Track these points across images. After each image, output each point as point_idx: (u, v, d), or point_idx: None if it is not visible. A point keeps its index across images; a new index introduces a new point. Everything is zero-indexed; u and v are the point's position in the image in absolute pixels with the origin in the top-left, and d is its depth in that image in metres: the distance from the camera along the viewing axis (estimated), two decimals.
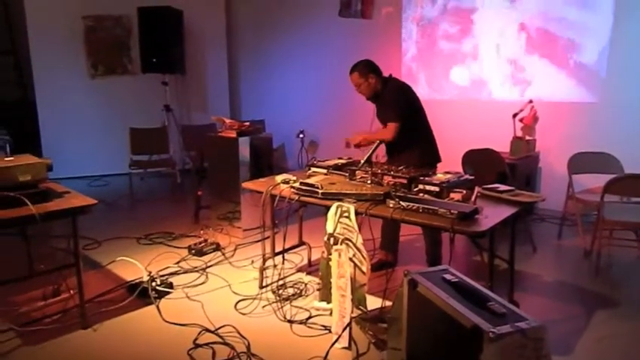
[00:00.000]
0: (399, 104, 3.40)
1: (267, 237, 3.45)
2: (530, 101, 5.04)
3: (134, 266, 3.52)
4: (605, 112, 4.76)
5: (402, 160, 3.30)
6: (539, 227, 4.70)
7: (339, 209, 2.78)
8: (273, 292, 3.32)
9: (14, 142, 5.44)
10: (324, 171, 3.39)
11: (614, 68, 4.71)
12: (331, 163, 3.47)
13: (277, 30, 7.15)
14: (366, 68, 3.45)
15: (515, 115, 4.94)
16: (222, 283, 3.52)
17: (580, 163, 4.26)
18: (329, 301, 2.93)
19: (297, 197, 3.01)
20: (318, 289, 3.26)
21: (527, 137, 5.02)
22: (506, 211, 2.69)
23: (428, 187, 2.80)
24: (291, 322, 2.96)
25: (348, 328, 2.60)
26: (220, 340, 2.75)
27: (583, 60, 4.86)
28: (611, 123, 4.72)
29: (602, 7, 4.70)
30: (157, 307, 3.13)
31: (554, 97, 5.05)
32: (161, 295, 3.29)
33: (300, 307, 3.13)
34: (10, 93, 7.26)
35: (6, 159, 2.89)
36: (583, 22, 4.81)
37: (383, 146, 3.50)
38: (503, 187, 2.97)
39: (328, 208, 2.84)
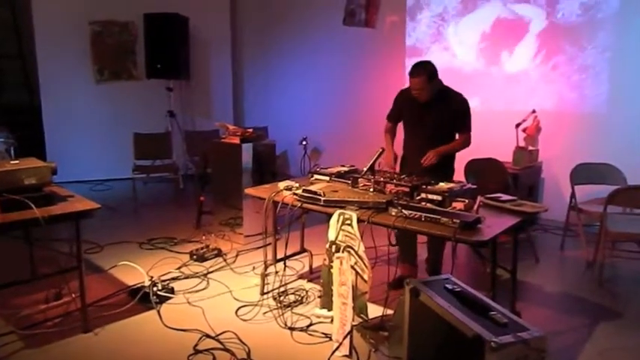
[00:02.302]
0: (471, 115, 3.45)
1: (269, 243, 3.46)
2: (534, 111, 5.04)
3: (136, 271, 3.52)
4: (608, 123, 4.77)
5: (436, 171, 3.27)
6: (541, 238, 4.69)
7: (342, 217, 2.78)
8: (274, 299, 3.31)
9: (19, 145, 5.47)
10: (327, 178, 3.39)
11: (617, 79, 4.72)
12: (334, 170, 3.48)
13: (281, 37, 7.20)
14: (433, 72, 3.35)
15: (518, 125, 4.94)
16: (224, 289, 3.52)
17: (583, 173, 4.25)
18: (330, 309, 2.92)
19: (299, 204, 3.01)
20: (319, 297, 3.25)
21: (530, 147, 5.02)
22: (508, 221, 2.69)
23: (430, 196, 2.80)
24: (292, 329, 2.96)
25: (349, 336, 2.60)
26: (221, 346, 2.75)
27: (586, 70, 4.87)
28: (614, 134, 4.72)
29: (606, 19, 4.72)
30: (158, 312, 3.13)
31: (557, 108, 5.06)
32: (162, 300, 3.29)
33: (301, 315, 3.13)
34: (16, 97, 7.30)
35: (11, 162, 2.90)
36: (587, 32, 4.83)
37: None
38: (505, 197, 2.97)
39: (330, 215, 2.84)
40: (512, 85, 5.31)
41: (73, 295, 3.06)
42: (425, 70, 3.31)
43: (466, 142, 3.48)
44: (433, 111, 3.41)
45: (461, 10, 5.59)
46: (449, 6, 5.65)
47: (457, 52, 5.63)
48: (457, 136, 3.50)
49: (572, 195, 4.20)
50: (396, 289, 3.13)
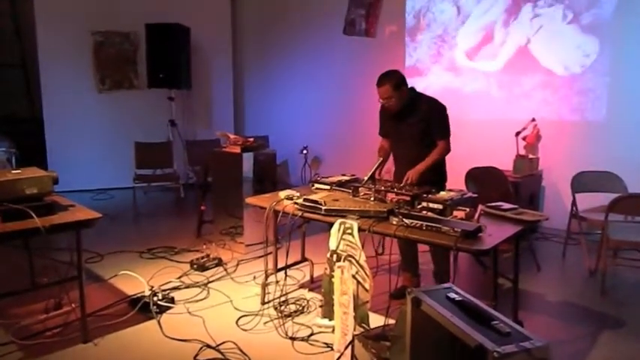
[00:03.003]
0: (447, 119, 3.36)
1: (270, 253, 3.45)
2: (533, 119, 5.05)
3: (136, 280, 3.52)
4: (609, 131, 4.78)
5: (426, 179, 3.23)
6: (543, 246, 4.68)
7: (343, 226, 2.78)
8: (275, 309, 3.30)
9: (21, 155, 5.48)
10: (328, 187, 3.39)
11: (617, 87, 4.73)
12: (334, 179, 3.48)
13: (282, 47, 7.24)
14: (399, 80, 3.30)
15: (518, 134, 4.95)
16: (224, 299, 3.50)
17: (583, 181, 4.25)
18: (331, 319, 2.90)
19: (300, 213, 3.01)
20: (320, 306, 3.24)
21: (530, 156, 5.03)
22: (509, 230, 2.68)
23: (431, 205, 2.80)
24: (293, 339, 2.94)
25: (350, 346, 2.58)
26: (221, 356, 2.74)
27: (585, 78, 4.88)
28: (614, 142, 4.73)
29: (605, 28, 4.74)
30: (158, 321, 3.12)
31: (557, 116, 5.07)
32: (162, 309, 3.28)
33: (302, 324, 3.11)
34: (18, 107, 7.34)
35: (13, 171, 2.91)
36: (587, 41, 4.85)
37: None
38: (506, 206, 2.96)
39: (331, 224, 2.84)
40: (511, 97, 5.32)
41: (73, 305, 3.05)
42: (389, 79, 3.27)
43: (445, 150, 3.36)
44: (407, 121, 3.37)
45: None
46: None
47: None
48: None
49: (573, 203, 4.20)
50: (397, 299, 3.09)
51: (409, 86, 3.37)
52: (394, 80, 3.28)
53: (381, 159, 3.30)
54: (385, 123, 3.57)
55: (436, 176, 3.36)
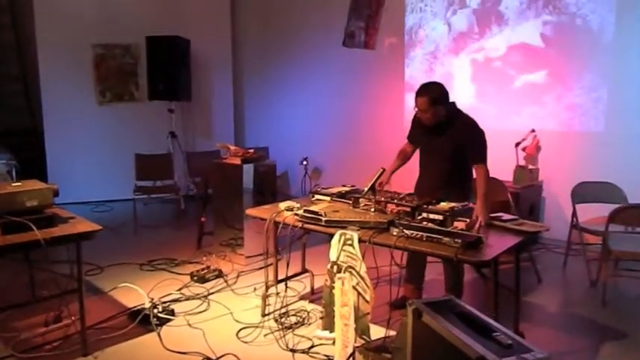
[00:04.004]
0: (485, 144, 3.20)
1: (270, 264, 3.45)
2: (533, 130, 5.07)
3: (136, 293, 3.50)
4: (609, 142, 4.78)
5: (452, 193, 3.11)
6: (543, 257, 4.67)
7: (343, 237, 2.78)
8: (276, 321, 3.29)
9: (21, 167, 5.49)
10: (328, 198, 3.40)
11: (617, 98, 4.75)
12: (335, 190, 3.49)
13: (282, 59, 7.28)
14: (438, 95, 3.15)
15: (517, 144, 4.97)
16: (224, 311, 3.49)
17: (583, 192, 4.26)
18: (332, 330, 2.89)
19: (300, 224, 3.01)
20: (320, 318, 3.23)
21: (530, 166, 5.03)
22: (510, 241, 2.69)
23: (432, 216, 2.80)
24: (293, 351, 2.93)
25: (351, 358, 2.57)
26: None
27: (586, 89, 4.91)
28: (614, 152, 4.74)
29: (604, 38, 4.78)
30: (159, 334, 3.10)
31: (557, 127, 5.09)
32: (163, 322, 3.26)
33: (303, 336, 3.10)
34: (18, 119, 7.35)
35: (13, 184, 2.91)
36: (586, 51, 4.88)
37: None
38: (507, 216, 2.97)
39: (332, 235, 2.84)
40: (510, 107, 5.35)
41: (73, 318, 3.04)
42: (428, 91, 3.16)
43: (486, 177, 3.16)
44: (441, 138, 3.23)
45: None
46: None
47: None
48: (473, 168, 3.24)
49: (574, 214, 4.20)
50: (397, 309, 3.08)
51: (450, 101, 3.24)
52: (432, 94, 3.15)
53: (382, 170, 3.24)
54: (417, 131, 3.44)
55: (464, 188, 3.25)
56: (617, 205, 3.69)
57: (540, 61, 5.15)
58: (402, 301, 3.27)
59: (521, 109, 5.29)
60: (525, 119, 5.21)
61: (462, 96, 5.59)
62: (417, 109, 3.24)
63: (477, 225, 2.80)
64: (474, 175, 3.23)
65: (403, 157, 3.51)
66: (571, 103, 5.01)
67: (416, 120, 3.41)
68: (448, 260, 3.01)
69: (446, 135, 3.22)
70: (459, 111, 3.30)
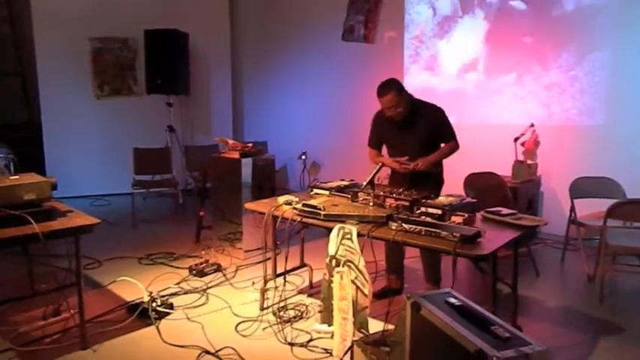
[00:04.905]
0: (448, 120, 3.39)
1: (269, 258, 3.45)
2: (532, 125, 5.07)
3: (135, 286, 3.51)
4: (607, 137, 4.79)
5: (424, 183, 3.25)
6: (541, 252, 4.68)
7: (342, 231, 2.78)
8: (274, 314, 3.29)
9: (19, 161, 5.47)
10: (327, 192, 3.40)
11: (616, 92, 4.75)
12: (334, 184, 3.49)
13: (281, 52, 7.26)
14: (400, 85, 3.28)
15: (516, 139, 4.97)
16: (223, 305, 3.50)
17: (582, 187, 4.26)
18: (330, 324, 2.90)
19: (299, 218, 3.01)
20: (319, 312, 3.23)
21: (529, 161, 5.04)
22: (508, 235, 2.69)
23: (430, 210, 2.80)
24: (292, 344, 2.94)
25: (349, 352, 2.57)
26: None
27: (585, 84, 4.91)
28: (612, 147, 4.74)
29: (603, 32, 4.77)
30: (157, 327, 3.11)
31: (556, 121, 5.09)
32: (161, 315, 3.27)
33: (301, 330, 3.10)
34: (17, 114, 7.34)
35: (11, 177, 2.90)
36: (585, 46, 4.87)
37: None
38: (505, 211, 2.97)
39: (330, 229, 2.84)
40: (509, 103, 5.35)
41: (72, 312, 3.04)
42: (392, 86, 3.25)
43: (454, 148, 3.41)
44: (412, 129, 3.33)
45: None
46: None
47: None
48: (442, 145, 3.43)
49: (572, 209, 4.20)
50: (379, 299, 3.24)
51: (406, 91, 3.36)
52: (396, 86, 3.26)
53: (381, 164, 3.30)
54: (381, 134, 3.54)
55: (437, 178, 3.44)
56: (615, 200, 3.69)
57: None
58: (382, 290, 3.51)
59: (519, 100, 5.28)
60: (524, 112, 5.20)
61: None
62: (387, 111, 3.31)
63: (415, 164, 3.20)
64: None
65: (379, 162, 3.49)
66: (570, 97, 4.99)
67: (378, 123, 3.53)
68: (427, 250, 3.12)
69: (415, 126, 3.34)
70: (417, 99, 3.40)
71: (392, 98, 3.23)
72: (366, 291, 2.69)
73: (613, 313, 3.45)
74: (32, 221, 2.61)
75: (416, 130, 3.34)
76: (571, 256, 4.44)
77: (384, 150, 3.63)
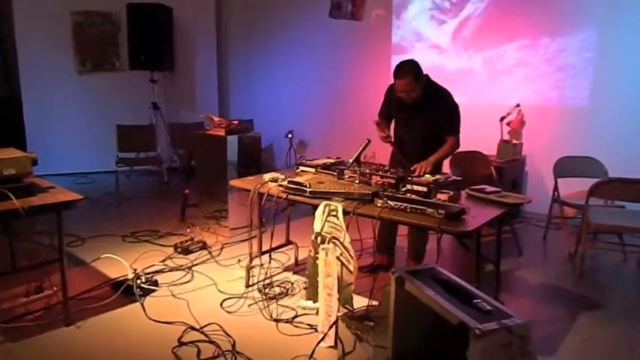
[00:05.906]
0: (459, 116, 3.27)
1: (254, 236, 3.44)
2: (518, 105, 5.09)
3: (119, 264, 3.48)
4: (591, 117, 4.83)
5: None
6: (524, 230, 4.74)
7: (327, 208, 2.78)
8: (260, 291, 3.30)
9: None
10: (313, 170, 3.38)
11: (600, 73, 4.78)
12: (320, 162, 3.48)
13: (267, 29, 7.15)
14: (418, 70, 3.15)
15: (502, 119, 4.98)
16: (208, 282, 3.49)
17: (565, 167, 4.31)
18: (315, 300, 2.92)
19: (285, 196, 3.00)
20: (304, 288, 3.25)
21: (514, 141, 5.07)
22: (492, 212, 2.71)
23: (416, 187, 2.81)
24: (277, 320, 2.95)
25: (334, 327, 2.60)
26: (205, 338, 2.73)
27: (569, 64, 4.92)
28: (595, 128, 4.79)
29: (588, 13, 4.77)
30: (142, 304, 3.10)
31: (541, 102, 5.11)
32: (146, 292, 3.26)
33: (287, 306, 3.12)
34: None
35: None
36: (570, 27, 4.88)
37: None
38: (490, 189, 2.99)
39: (316, 206, 2.83)
40: (496, 82, 5.35)
41: (55, 289, 3.02)
42: (411, 70, 3.13)
43: (455, 146, 3.33)
44: (423, 112, 3.26)
45: (445, 9, 5.63)
46: (433, 5, 5.70)
47: (441, 50, 5.69)
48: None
49: (555, 188, 4.25)
50: (369, 273, 3.31)
51: (424, 73, 3.23)
52: (414, 70, 3.13)
53: (368, 140, 3.23)
54: (391, 110, 3.45)
55: (437, 167, 3.32)
56: (597, 179, 3.74)
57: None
58: (371, 266, 3.56)
59: (504, 75, 5.28)
60: (510, 91, 5.22)
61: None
62: (400, 92, 3.21)
63: (419, 171, 3.07)
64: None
65: (384, 127, 3.45)
66: (555, 78, 5.01)
67: (391, 96, 3.39)
68: (416, 228, 3.12)
69: (427, 111, 3.26)
70: (434, 83, 3.33)
71: (408, 83, 3.14)
72: (351, 267, 2.71)
73: (592, 290, 3.53)
74: (12, 197, 2.56)
75: (426, 115, 3.26)
76: (553, 235, 4.51)
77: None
